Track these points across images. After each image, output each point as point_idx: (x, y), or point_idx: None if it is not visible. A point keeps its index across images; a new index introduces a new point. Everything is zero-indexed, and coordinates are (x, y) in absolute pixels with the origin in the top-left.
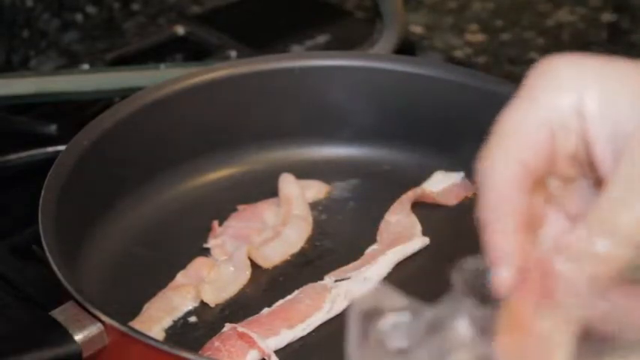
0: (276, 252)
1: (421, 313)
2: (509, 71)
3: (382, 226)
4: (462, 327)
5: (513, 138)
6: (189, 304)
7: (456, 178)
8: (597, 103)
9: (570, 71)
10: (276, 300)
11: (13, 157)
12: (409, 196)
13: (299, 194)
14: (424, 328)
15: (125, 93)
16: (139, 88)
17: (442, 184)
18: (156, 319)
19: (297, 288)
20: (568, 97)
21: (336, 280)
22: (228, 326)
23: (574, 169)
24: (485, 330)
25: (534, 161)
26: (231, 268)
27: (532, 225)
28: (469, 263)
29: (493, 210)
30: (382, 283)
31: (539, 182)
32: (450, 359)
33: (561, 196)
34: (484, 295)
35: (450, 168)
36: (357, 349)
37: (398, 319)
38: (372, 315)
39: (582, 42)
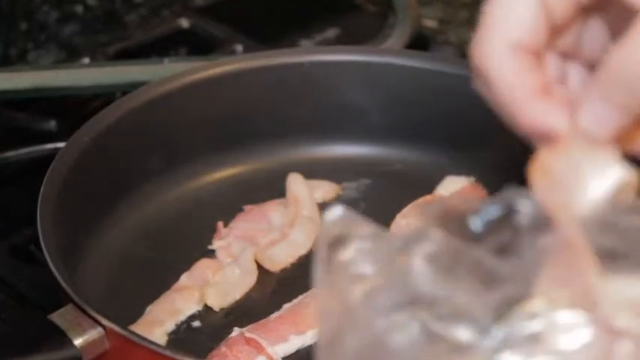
0: (284, 254)
1: (386, 239)
2: None
3: (393, 227)
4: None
5: (503, 21)
6: (193, 308)
7: (467, 182)
8: None
9: None
10: (283, 304)
11: (10, 154)
12: (423, 200)
13: (307, 195)
14: (388, 253)
15: (127, 88)
16: (142, 83)
17: (454, 189)
18: (158, 322)
19: (305, 292)
20: None
21: None
22: (236, 331)
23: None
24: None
25: (529, 37)
26: (237, 271)
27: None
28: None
29: (510, 93)
30: (348, 209)
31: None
32: (413, 282)
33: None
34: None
35: (463, 167)
36: (323, 275)
37: (362, 246)
38: (338, 243)
39: None
